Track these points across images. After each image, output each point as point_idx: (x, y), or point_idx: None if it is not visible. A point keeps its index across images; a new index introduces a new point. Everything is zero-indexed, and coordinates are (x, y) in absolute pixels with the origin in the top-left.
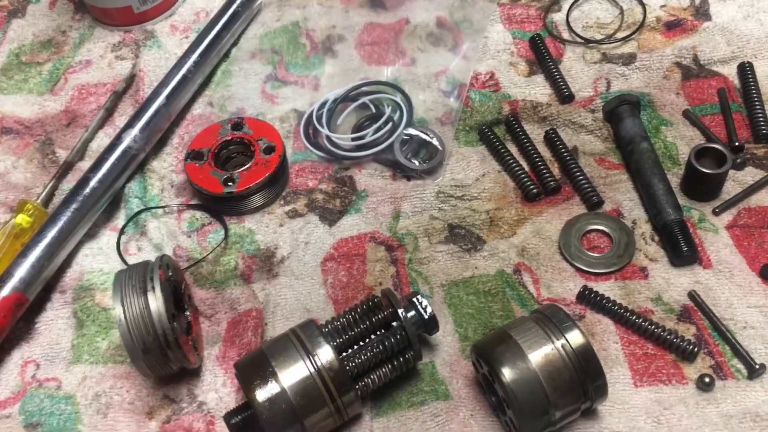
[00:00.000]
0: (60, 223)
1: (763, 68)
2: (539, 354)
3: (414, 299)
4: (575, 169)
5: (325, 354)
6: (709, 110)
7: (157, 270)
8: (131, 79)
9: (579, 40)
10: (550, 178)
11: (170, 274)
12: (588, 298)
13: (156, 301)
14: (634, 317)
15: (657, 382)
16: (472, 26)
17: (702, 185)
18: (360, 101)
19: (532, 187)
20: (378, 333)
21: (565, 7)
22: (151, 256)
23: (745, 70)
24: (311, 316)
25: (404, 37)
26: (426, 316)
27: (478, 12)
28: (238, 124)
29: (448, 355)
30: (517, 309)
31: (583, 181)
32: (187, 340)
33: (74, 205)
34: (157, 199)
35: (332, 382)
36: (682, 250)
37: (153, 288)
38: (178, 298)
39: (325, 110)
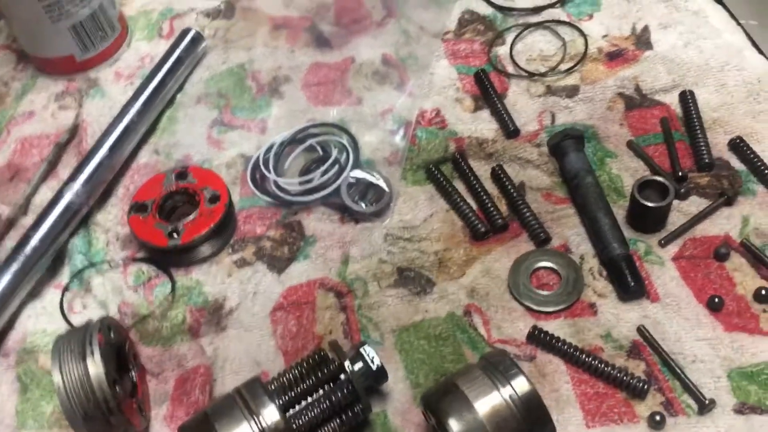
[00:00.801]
0: (1, 285)
1: (704, 96)
2: (486, 404)
3: (361, 350)
4: (522, 206)
5: (270, 414)
6: (653, 140)
7: (96, 334)
8: (74, 130)
9: (523, 73)
10: (497, 216)
11: (112, 335)
12: (538, 339)
13: (95, 367)
14: (584, 356)
15: (609, 422)
16: (418, 62)
17: (646, 218)
18: (307, 143)
19: (479, 225)
20: (327, 387)
21: (509, 40)
22: (96, 313)
23: (686, 99)
24: (261, 368)
25: (350, 76)
26: (374, 368)
27: (423, 48)
28: (182, 174)
29: (400, 403)
30: (468, 352)
31: (530, 218)
32: (131, 403)
33: (15, 265)
34: (102, 253)
35: None
36: (629, 285)
37: (92, 353)
38: (122, 359)
39: (272, 154)
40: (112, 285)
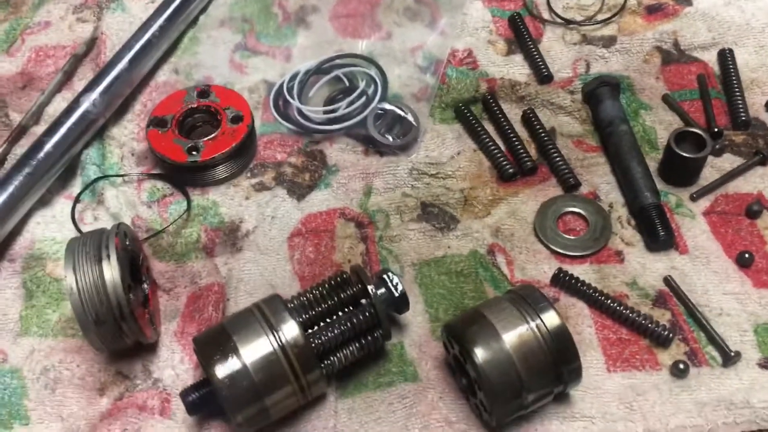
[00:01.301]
0: (11, 188)
1: (743, 55)
2: (513, 334)
3: (384, 276)
4: (552, 151)
5: (290, 330)
6: (689, 96)
7: (113, 238)
8: (92, 43)
9: (559, 20)
10: (526, 159)
11: (128, 243)
12: (562, 281)
13: (111, 270)
14: (608, 301)
15: (630, 368)
16: (451, 2)
17: (680, 170)
18: (333, 74)
19: (508, 166)
20: (346, 310)
21: None
22: (107, 225)
23: (725, 57)
24: (276, 292)
25: (381, 11)
26: (397, 294)
27: None
28: (204, 92)
29: (417, 335)
30: (490, 290)
31: (560, 163)
32: (143, 313)
33: (27, 170)
34: (117, 167)
35: (297, 359)
36: (659, 234)
37: (108, 256)
38: (135, 269)
39: (296, 82)
40: (125, 198)
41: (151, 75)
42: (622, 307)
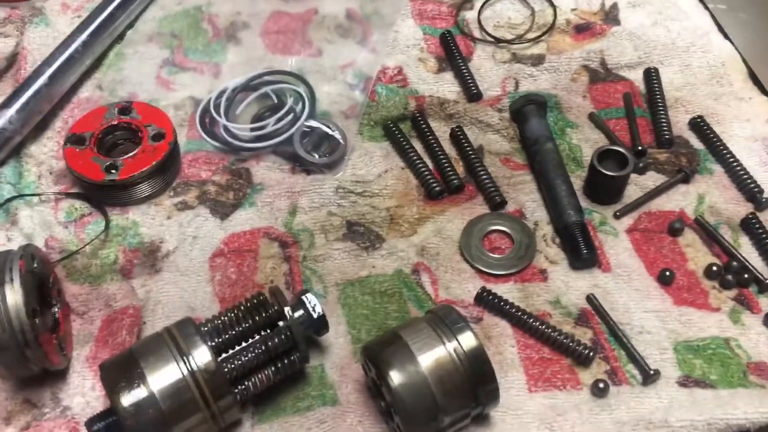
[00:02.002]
0: None
1: (668, 74)
2: (430, 357)
3: (303, 297)
4: (479, 168)
5: (201, 355)
6: (615, 114)
7: (17, 261)
8: (12, 58)
9: (489, 39)
10: (453, 176)
11: (35, 265)
12: (486, 300)
13: (14, 295)
14: (531, 320)
15: (552, 388)
16: (383, 20)
17: (604, 187)
18: (261, 91)
19: (435, 185)
20: (263, 333)
21: (477, 5)
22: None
23: (651, 76)
24: (195, 314)
25: (312, 28)
26: (315, 316)
27: (389, 5)
28: (125, 108)
29: (339, 357)
30: (414, 310)
31: (486, 181)
32: (50, 338)
33: None
34: (34, 186)
35: (207, 385)
36: (582, 252)
37: (11, 279)
38: (44, 292)
39: (223, 99)
40: (41, 218)
41: (74, 91)
42: (544, 326)
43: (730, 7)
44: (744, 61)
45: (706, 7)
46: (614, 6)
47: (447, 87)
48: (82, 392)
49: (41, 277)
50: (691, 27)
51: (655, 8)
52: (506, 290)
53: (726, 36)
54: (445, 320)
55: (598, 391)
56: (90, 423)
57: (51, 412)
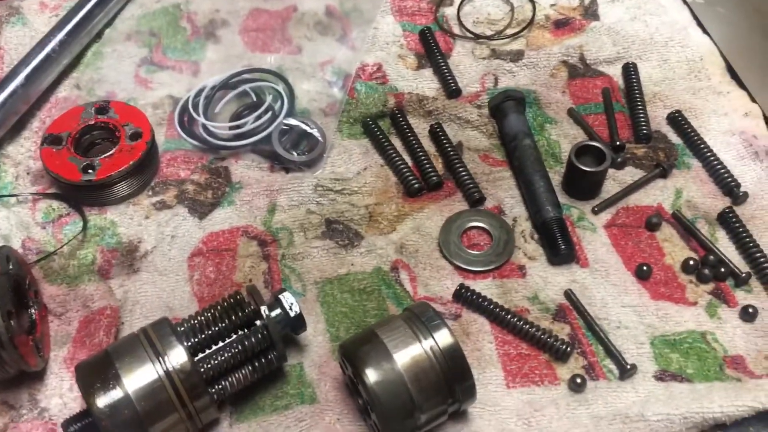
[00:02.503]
0: None
1: (646, 69)
2: (406, 354)
3: (280, 296)
4: (458, 165)
5: (177, 355)
6: (594, 109)
7: None
8: None
9: (469, 35)
10: (432, 173)
11: (10, 267)
12: (464, 297)
13: None
14: (509, 316)
15: (529, 383)
16: (362, 16)
17: (582, 183)
18: (240, 89)
19: (413, 182)
20: (240, 332)
21: (457, 1)
22: None
23: (629, 71)
24: (173, 314)
25: (291, 25)
26: (292, 315)
27: (369, 2)
28: (102, 108)
29: (317, 356)
30: (393, 308)
31: (465, 177)
32: (27, 340)
33: None
34: (11, 186)
35: (183, 385)
36: (560, 248)
37: None
38: (21, 294)
39: (202, 97)
40: (17, 219)
41: (52, 90)
42: (522, 322)
43: (708, 2)
44: (722, 55)
45: (685, 2)
46: (593, 1)
47: (426, 84)
48: (60, 393)
49: (17, 279)
50: (670, 21)
51: (633, 3)
52: (485, 287)
53: (704, 30)
54: (421, 318)
55: (576, 386)
56: (66, 425)
57: (28, 414)
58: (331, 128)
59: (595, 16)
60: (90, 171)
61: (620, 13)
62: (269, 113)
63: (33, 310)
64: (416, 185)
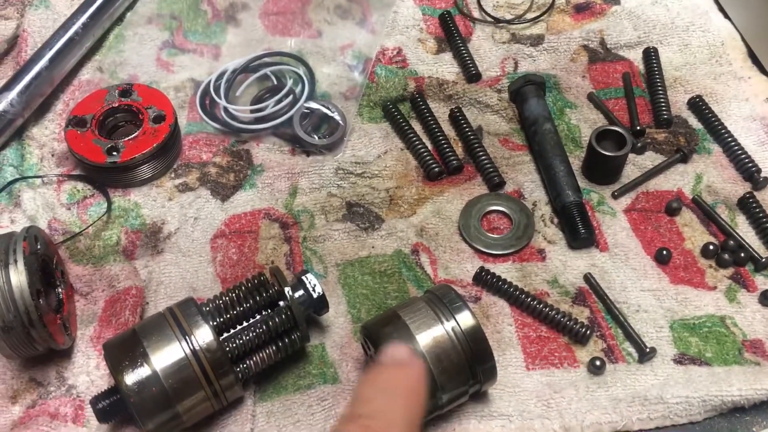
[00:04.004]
0: None
1: (667, 54)
2: (428, 335)
3: (303, 278)
4: (478, 149)
5: (203, 334)
6: (614, 94)
7: (20, 242)
8: (13, 40)
9: (489, 19)
10: (452, 157)
11: (38, 246)
12: (484, 280)
13: (18, 275)
14: (529, 299)
15: (549, 366)
16: (382, 0)
17: (602, 168)
18: (261, 72)
19: (434, 165)
20: (264, 313)
21: None
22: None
23: (650, 56)
24: (197, 295)
25: (311, 9)
26: (315, 296)
27: None
28: (126, 91)
29: (339, 336)
30: (413, 290)
31: (485, 161)
32: (55, 318)
33: None
34: (36, 168)
35: (209, 364)
36: (580, 232)
37: (15, 261)
38: (48, 273)
39: (223, 81)
40: (43, 200)
41: (74, 73)
42: (541, 305)
43: None
44: (743, 40)
45: None
46: None
47: (446, 68)
48: (87, 371)
49: (45, 259)
50: (691, 6)
51: None
52: (504, 270)
53: (725, 15)
54: (443, 300)
55: (595, 368)
56: (94, 401)
57: (56, 391)
58: (352, 112)
59: (616, 1)
60: (114, 153)
61: None
62: (290, 97)
63: (60, 290)
64: (436, 169)
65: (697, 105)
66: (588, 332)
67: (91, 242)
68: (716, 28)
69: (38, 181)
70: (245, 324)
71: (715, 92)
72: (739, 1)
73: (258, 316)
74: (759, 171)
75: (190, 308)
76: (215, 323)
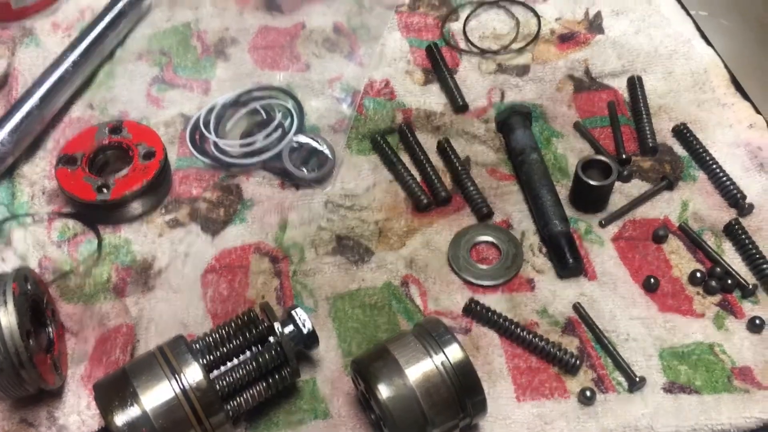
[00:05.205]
0: None
1: (651, 82)
2: (417, 370)
3: (293, 313)
4: (466, 180)
5: (193, 373)
6: (600, 123)
7: (11, 283)
8: (4, 79)
9: (475, 50)
10: (440, 189)
11: (28, 287)
12: (474, 311)
13: (8, 317)
14: (518, 330)
15: (540, 396)
16: (369, 33)
17: (588, 197)
18: (250, 106)
19: (422, 197)
20: (255, 349)
21: (463, 16)
22: (15, 267)
23: (634, 84)
24: (188, 331)
25: (300, 42)
26: (305, 331)
27: (376, 18)
28: (116, 128)
29: (330, 371)
30: (403, 322)
31: (473, 192)
32: (45, 358)
33: None
34: (26, 206)
35: (199, 403)
36: (568, 261)
37: (5, 302)
38: (38, 313)
39: (213, 115)
40: (34, 239)
41: (65, 110)
42: (531, 336)
43: (712, 14)
44: (726, 67)
45: (689, 14)
46: (598, 15)
47: (434, 99)
48: (78, 411)
49: (35, 298)
50: (674, 34)
51: (638, 16)
52: (494, 301)
53: (708, 42)
54: (432, 333)
55: (585, 399)
56: None
57: (47, 431)
58: (341, 144)
59: (599, 30)
60: (104, 190)
61: (625, 26)
62: (279, 130)
63: (50, 329)
64: (425, 200)
65: (682, 132)
66: (578, 362)
67: (81, 280)
68: (699, 56)
69: (29, 219)
70: (235, 361)
71: (699, 119)
72: (721, 28)
73: (248, 353)
74: (744, 197)
75: (180, 346)
76: (205, 361)
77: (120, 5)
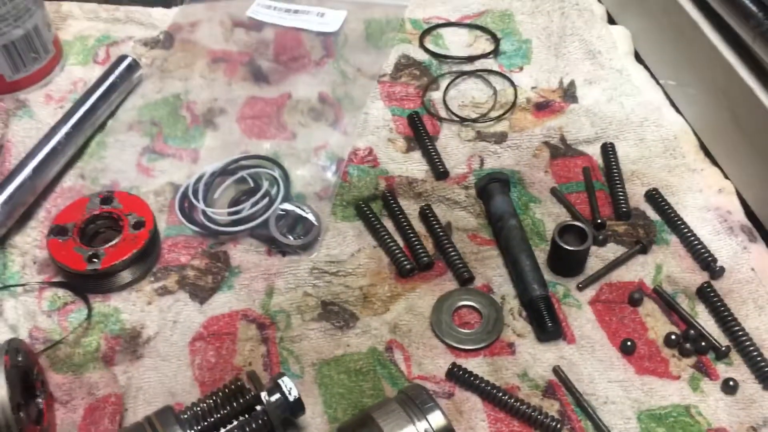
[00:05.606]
0: None
1: (624, 148)
2: None
3: (279, 381)
4: (448, 245)
5: None
6: (575, 188)
7: (2, 356)
8: None
9: (455, 118)
10: (423, 254)
11: (19, 359)
12: (457, 376)
13: None
14: (500, 394)
15: None
16: (353, 102)
17: (566, 261)
18: (238, 175)
19: (405, 262)
20: (242, 417)
21: (443, 86)
22: (5, 337)
23: (608, 150)
24: (176, 399)
25: (286, 112)
26: (291, 399)
27: (360, 88)
28: (107, 198)
29: None
30: (388, 388)
31: (455, 257)
32: (34, 430)
33: None
34: (17, 276)
35: None
36: (547, 326)
37: None
38: (28, 384)
39: (201, 184)
40: (24, 309)
41: (57, 181)
42: (513, 400)
43: (680, 83)
44: (695, 133)
45: (658, 83)
46: (572, 84)
47: (415, 166)
48: None
49: (25, 370)
50: (644, 102)
51: (610, 85)
52: (476, 365)
53: (677, 110)
54: (415, 400)
55: None
56: None
57: None
58: (326, 211)
59: (573, 99)
60: (95, 260)
61: (597, 95)
62: (266, 199)
63: (40, 400)
64: (408, 266)
65: (654, 197)
66: (558, 426)
67: (71, 350)
68: (669, 123)
69: (20, 289)
70: (223, 431)
71: (670, 184)
72: (689, 97)
73: (235, 422)
74: (715, 261)
75: (168, 418)
76: (193, 431)
77: (112, 78)
